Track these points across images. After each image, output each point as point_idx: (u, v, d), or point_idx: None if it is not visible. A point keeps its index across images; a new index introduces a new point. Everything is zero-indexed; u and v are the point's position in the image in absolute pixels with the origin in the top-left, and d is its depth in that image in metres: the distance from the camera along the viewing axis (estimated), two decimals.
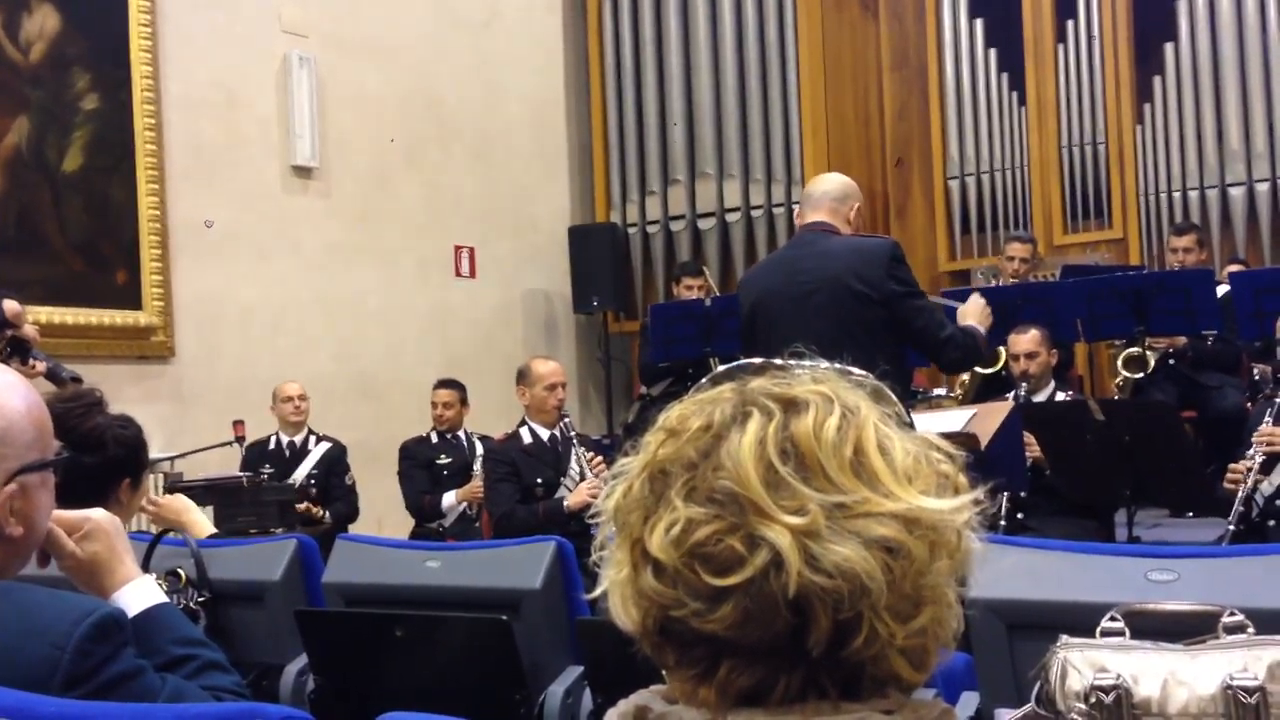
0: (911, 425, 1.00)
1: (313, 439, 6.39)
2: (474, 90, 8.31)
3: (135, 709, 1.26)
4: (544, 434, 5.12)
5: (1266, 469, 4.26)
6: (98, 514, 1.76)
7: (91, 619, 1.56)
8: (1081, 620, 1.73)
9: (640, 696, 0.95)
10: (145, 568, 2.78)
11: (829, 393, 0.92)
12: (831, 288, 3.77)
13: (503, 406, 7.20)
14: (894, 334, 3.79)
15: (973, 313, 4.09)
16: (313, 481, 6.19)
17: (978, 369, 6.10)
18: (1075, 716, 1.56)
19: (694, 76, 8.60)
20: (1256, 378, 5.86)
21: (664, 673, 0.93)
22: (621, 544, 0.92)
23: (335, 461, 6.34)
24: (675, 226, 8.65)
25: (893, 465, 0.90)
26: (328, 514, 6.16)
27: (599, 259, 8.52)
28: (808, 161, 8.27)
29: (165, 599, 1.80)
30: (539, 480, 5.02)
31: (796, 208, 4.32)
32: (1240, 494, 4.20)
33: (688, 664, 0.90)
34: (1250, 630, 1.59)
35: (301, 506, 5.93)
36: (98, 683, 1.55)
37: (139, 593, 1.74)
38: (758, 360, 1.00)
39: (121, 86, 6.52)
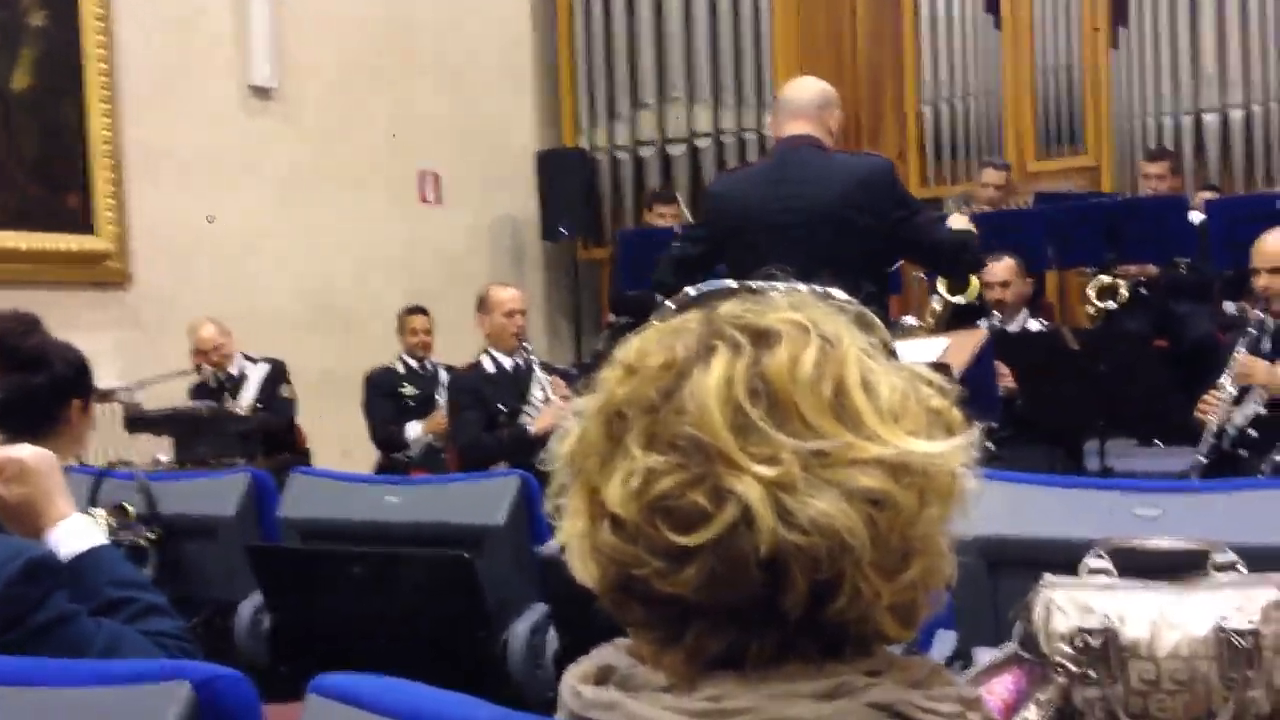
0: (895, 354, 0.91)
1: (248, 364, 6.22)
2: (439, 8, 8.09)
3: (54, 665, 1.17)
4: (506, 362, 5.06)
5: (1239, 400, 4.23)
6: (25, 451, 1.66)
7: (18, 562, 1.49)
8: (1064, 557, 1.67)
9: (603, 654, 0.87)
10: (93, 502, 2.69)
11: (805, 321, 0.82)
12: (832, 218, 3.37)
13: (470, 335, 7.08)
14: (891, 261, 3.54)
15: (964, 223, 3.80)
16: (260, 405, 6.04)
17: (951, 298, 6.05)
18: (1060, 659, 1.50)
19: None
20: (1231, 312, 5.83)
21: (628, 632, 0.85)
22: (578, 493, 0.83)
23: (275, 379, 6.19)
24: (644, 152, 8.51)
25: (878, 404, 0.81)
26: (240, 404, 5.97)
27: (567, 185, 8.38)
28: (779, 85, 8.10)
29: (102, 539, 1.70)
30: (502, 407, 4.95)
31: (770, 117, 3.92)
32: (1212, 425, 4.17)
33: (653, 624, 0.82)
34: (1242, 568, 1.53)
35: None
36: (26, 629, 1.47)
37: (73, 533, 1.65)
38: (732, 284, 0.90)
39: (69, 2, 6.30)
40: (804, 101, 3.61)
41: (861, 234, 3.38)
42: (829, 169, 3.48)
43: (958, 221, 3.79)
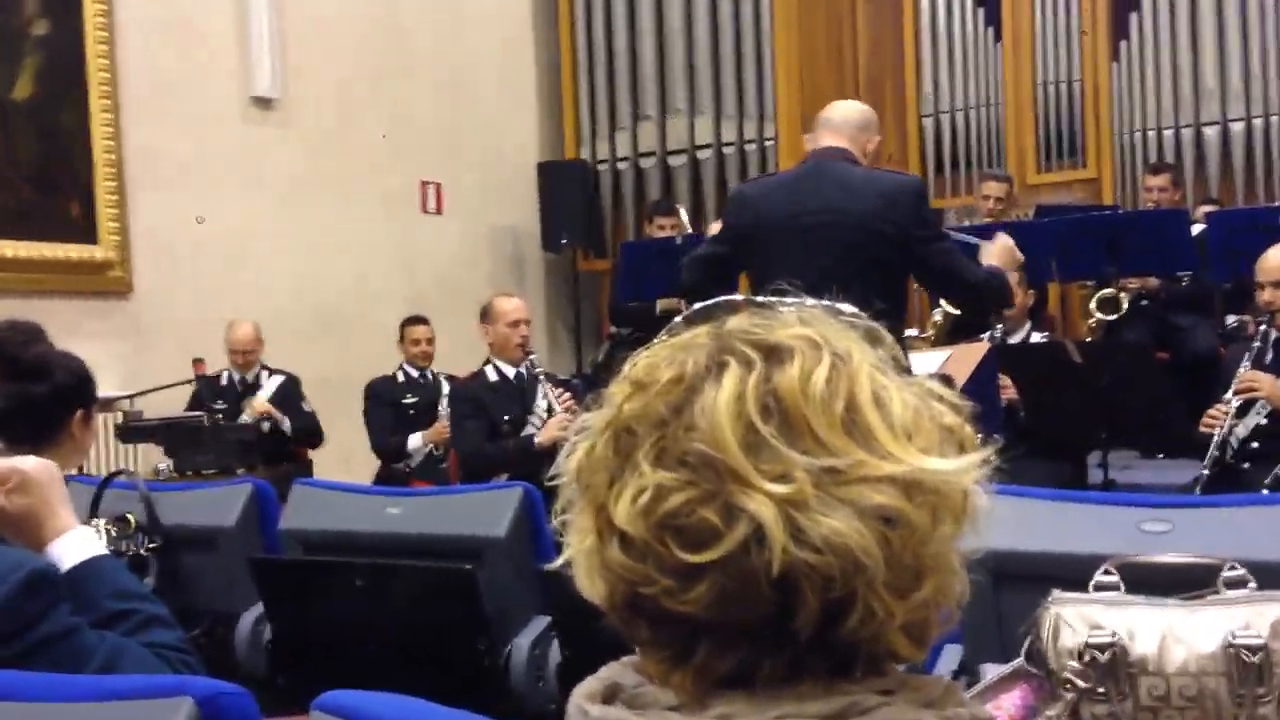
0: (908, 370, 0.90)
1: (265, 374, 6.26)
2: (440, 18, 8.09)
3: (55, 680, 1.16)
4: (509, 371, 5.03)
5: (1241, 413, 4.22)
6: (28, 463, 1.64)
7: (20, 575, 1.48)
8: (1072, 572, 1.65)
9: (611, 672, 0.86)
10: (94, 512, 2.68)
11: (816, 337, 0.81)
12: (854, 228, 3.39)
13: (470, 345, 7.07)
14: (905, 276, 3.52)
15: (998, 254, 3.71)
16: (264, 417, 6.05)
17: (952, 310, 6.03)
18: (1068, 675, 1.49)
19: (665, 8, 8.41)
20: (1232, 325, 5.82)
21: (636, 649, 0.84)
22: (585, 510, 0.82)
23: (289, 394, 6.22)
24: (645, 164, 8.50)
25: (890, 420, 0.80)
26: (288, 420, 6.09)
27: (568, 196, 8.37)
28: (780, 97, 8.12)
29: (104, 550, 1.69)
30: (506, 417, 4.93)
31: (807, 136, 3.82)
32: (1216, 438, 4.16)
33: (662, 643, 0.80)
34: (1252, 585, 1.52)
35: (262, 415, 5.85)
36: (27, 642, 1.46)
37: (75, 545, 1.64)
38: (739, 297, 0.89)
39: (72, 12, 6.30)
40: (843, 119, 3.66)
41: (880, 246, 3.39)
42: (855, 180, 3.50)
43: (998, 252, 3.70)
